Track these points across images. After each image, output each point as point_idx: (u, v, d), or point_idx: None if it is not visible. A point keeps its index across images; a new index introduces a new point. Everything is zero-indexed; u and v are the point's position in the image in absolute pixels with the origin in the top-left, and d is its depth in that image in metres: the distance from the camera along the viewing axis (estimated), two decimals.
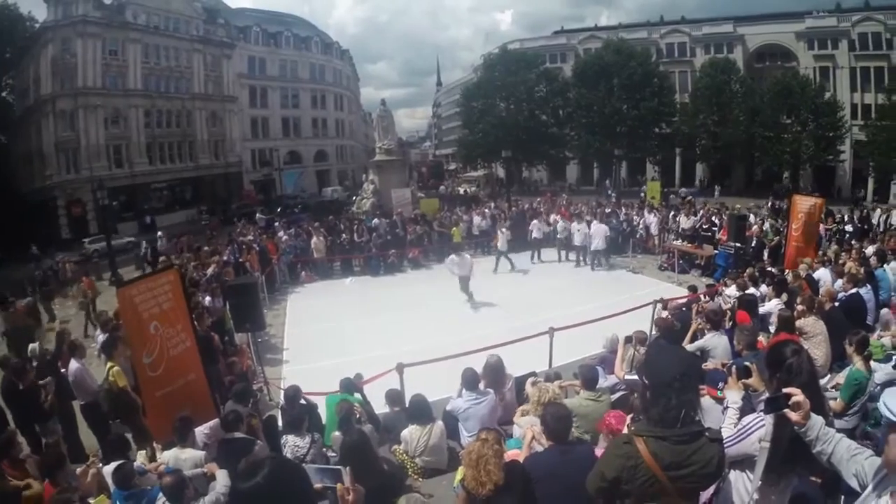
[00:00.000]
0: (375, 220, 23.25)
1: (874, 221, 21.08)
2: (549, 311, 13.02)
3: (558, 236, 20.80)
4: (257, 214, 36.14)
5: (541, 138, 52.51)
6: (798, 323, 6.89)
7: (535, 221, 21.57)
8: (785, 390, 2.45)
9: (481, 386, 6.38)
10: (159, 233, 29.72)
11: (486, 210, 25.99)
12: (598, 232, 19.27)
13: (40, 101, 43.91)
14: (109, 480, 4.79)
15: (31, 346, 9.42)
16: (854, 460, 2.32)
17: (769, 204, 24.83)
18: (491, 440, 3.56)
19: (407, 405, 6.59)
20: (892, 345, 6.27)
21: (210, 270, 15.47)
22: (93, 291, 16.79)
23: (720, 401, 4.06)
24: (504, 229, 19.77)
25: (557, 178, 58.86)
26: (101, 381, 7.65)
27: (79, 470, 4.97)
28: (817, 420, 2.43)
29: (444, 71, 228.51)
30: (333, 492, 2.40)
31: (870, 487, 2.22)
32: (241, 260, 17.53)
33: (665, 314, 9.72)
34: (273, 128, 61.16)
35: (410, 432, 5.90)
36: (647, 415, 2.52)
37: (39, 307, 15.28)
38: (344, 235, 21.69)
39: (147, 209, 45.66)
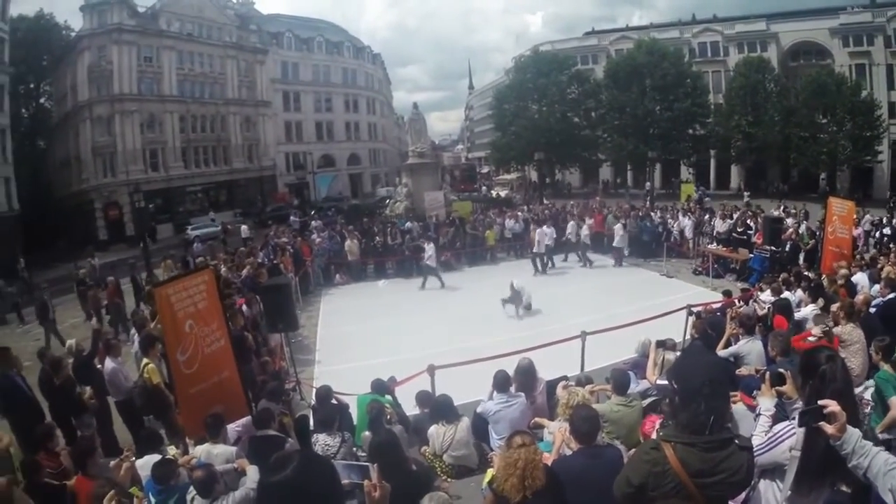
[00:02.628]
0: (408, 223, 23.41)
1: None
2: (582, 314, 12.93)
3: (582, 240, 20.67)
4: (291, 217, 36.67)
5: (573, 140, 52.21)
6: (836, 330, 6.72)
7: (539, 230, 19.95)
8: (820, 402, 2.40)
9: (512, 389, 6.36)
10: (244, 227, 32.58)
11: (519, 213, 25.94)
12: (618, 231, 20.14)
13: (77, 108, 44.98)
14: (142, 473, 4.91)
15: (68, 342, 9.68)
16: (890, 475, 2.25)
17: (781, 208, 24.29)
18: (533, 447, 3.54)
19: None
20: None
21: (245, 272, 15.70)
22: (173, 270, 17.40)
23: (754, 408, 3.99)
24: (427, 244, 19.07)
25: (590, 181, 58.45)
26: (136, 378, 7.84)
27: (112, 463, 5.10)
28: (854, 433, 2.37)
29: (475, 74, 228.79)
30: (361, 488, 2.43)
31: None
32: (275, 262, 17.77)
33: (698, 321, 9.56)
34: (306, 132, 61.73)
35: (436, 429, 5.94)
36: (676, 420, 2.49)
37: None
38: (377, 238, 21.84)
39: (182, 212, 46.67)
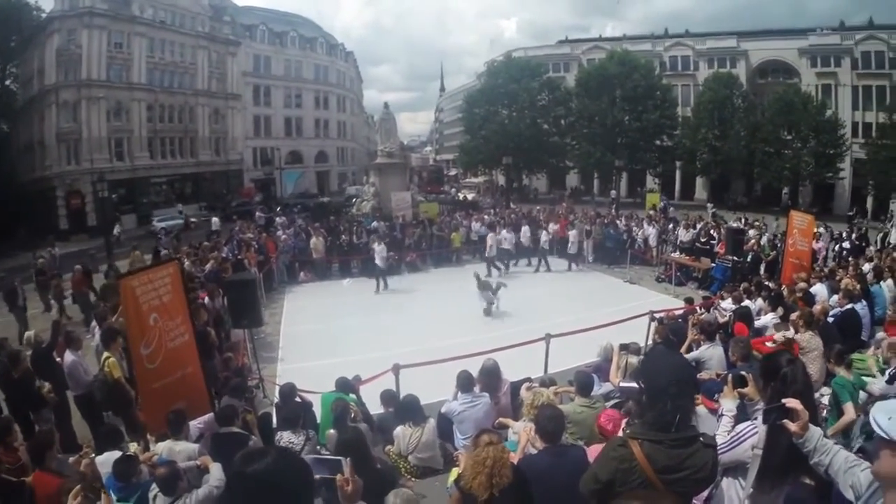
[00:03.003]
0: (375, 223, 23.35)
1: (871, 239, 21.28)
2: (546, 318, 13.03)
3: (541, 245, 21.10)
4: (257, 213, 36.28)
5: (542, 147, 52.67)
6: (795, 337, 6.94)
7: (491, 234, 20.64)
8: (784, 400, 2.48)
9: (476, 389, 6.39)
10: (214, 219, 32.86)
11: (486, 216, 26.06)
12: (573, 237, 20.81)
13: (44, 91, 43.77)
14: (102, 470, 4.80)
15: (26, 333, 9.43)
16: (851, 472, 2.34)
17: (742, 220, 25.08)
18: (501, 445, 3.57)
19: None
20: (884, 359, 6.30)
21: (208, 266, 15.48)
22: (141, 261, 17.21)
23: (715, 411, 4.08)
24: (377, 244, 18.64)
25: (557, 187, 58.95)
26: (97, 372, 7.67)
27: (71, 459, 4.99)
28: (815, 431, 2.45)
29: (447, 76, 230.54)
30: (329, 484, 2.41)
31: (862, 500, 2.25)
32: (239, 257, 17.55)
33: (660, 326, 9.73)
34: (275, 127, 61.16)
35: (402, 430, 5.92)
36: (643, 419, 2.54)
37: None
38: (343, 237, 21.71)
39: (146, 203, 45.70)
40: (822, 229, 20.12)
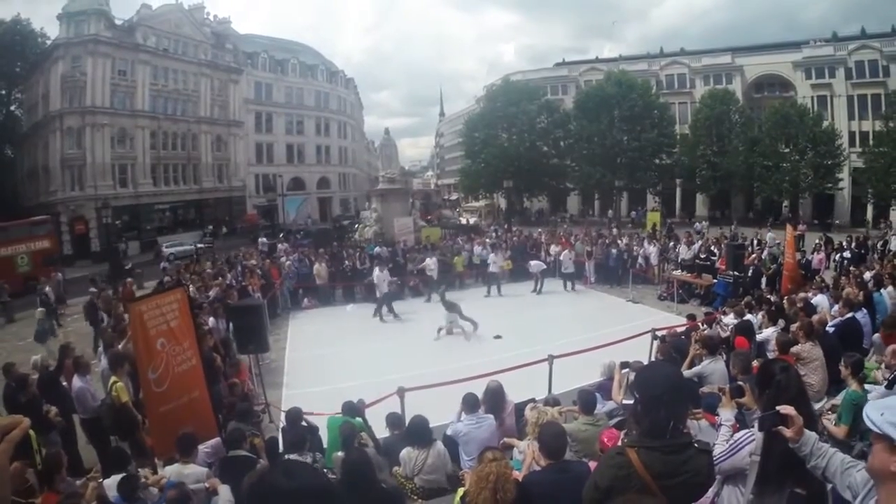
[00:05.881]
0: (377, 248, 23.45)
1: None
2: (550, 340, 12.99)
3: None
4: (260, 239, 36.44)
5: (542, 169, 53.01)
6: (795, 349, 6.97)
7: (492, 255, 21.42)
8: (778, 407, 2.55)
9: (481, 410, 6.42)
10: (262, 238, 33.97)
11: (487, 239, 26.17)
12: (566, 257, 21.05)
13: (48, 117, 44.15)
14: (110, 494, 4.84)
15: (33, 358, 9.48)
16: (847, 473, 2.39)
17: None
18: (504, 461, 3.62)
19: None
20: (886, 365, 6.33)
21: (213, 293, 15.58)
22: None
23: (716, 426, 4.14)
24: (378, 271, 18.06)
25: (558, 209, 59.14)
26: (104, 396, 7.72)
27: (79, 482, 5.02)
28: (811, 436, 2.52)
29: (447, 101, 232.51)
30: None
31: (859, 499, 2.31)
32: (244, 284, 17.65)
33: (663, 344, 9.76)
34: (277, 153, 61.60)
35: (408, 452, 5.90)
36: (639, 427, 2.60)
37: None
38: (346, 262, 21.79)
39: (150, 229, 46.07)
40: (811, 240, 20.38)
